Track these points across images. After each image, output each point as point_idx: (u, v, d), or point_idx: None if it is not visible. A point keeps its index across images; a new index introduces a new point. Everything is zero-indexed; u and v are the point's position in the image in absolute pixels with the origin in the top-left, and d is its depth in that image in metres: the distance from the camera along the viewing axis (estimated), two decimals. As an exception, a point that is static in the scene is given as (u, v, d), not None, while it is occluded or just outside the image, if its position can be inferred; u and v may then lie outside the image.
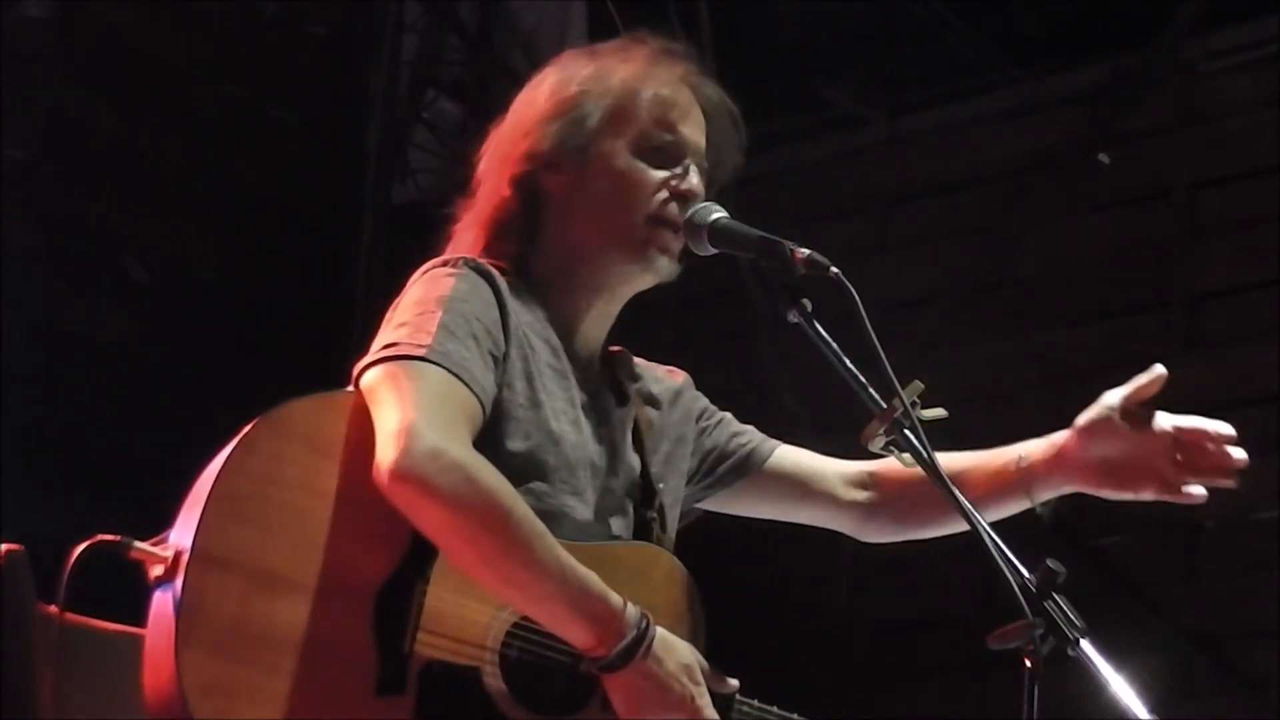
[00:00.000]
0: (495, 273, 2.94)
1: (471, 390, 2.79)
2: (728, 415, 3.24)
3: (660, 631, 2.79)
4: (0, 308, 5.71)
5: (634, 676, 2.76)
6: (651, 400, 3.13)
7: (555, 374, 2.97)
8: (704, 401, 3.23)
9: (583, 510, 2.93)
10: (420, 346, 2.79)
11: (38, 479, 5.59)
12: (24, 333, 5.86)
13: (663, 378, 3.19)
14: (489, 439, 2.84)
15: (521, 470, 2.86)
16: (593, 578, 2.76)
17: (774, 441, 3.24)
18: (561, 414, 2.94)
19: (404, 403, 2.73)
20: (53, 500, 5.44)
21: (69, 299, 6.16)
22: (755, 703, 2.94)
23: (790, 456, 3.23)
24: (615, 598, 2.76)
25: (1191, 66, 6.74)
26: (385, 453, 2.70)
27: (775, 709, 2.97)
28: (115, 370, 6.13)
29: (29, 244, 5.93)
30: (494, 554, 2.72)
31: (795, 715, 2.98)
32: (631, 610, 2.76)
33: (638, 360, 3.18)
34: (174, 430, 5.76)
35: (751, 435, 3.23)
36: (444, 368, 2.79)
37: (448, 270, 2.92)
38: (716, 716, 2.83)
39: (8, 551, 3.05)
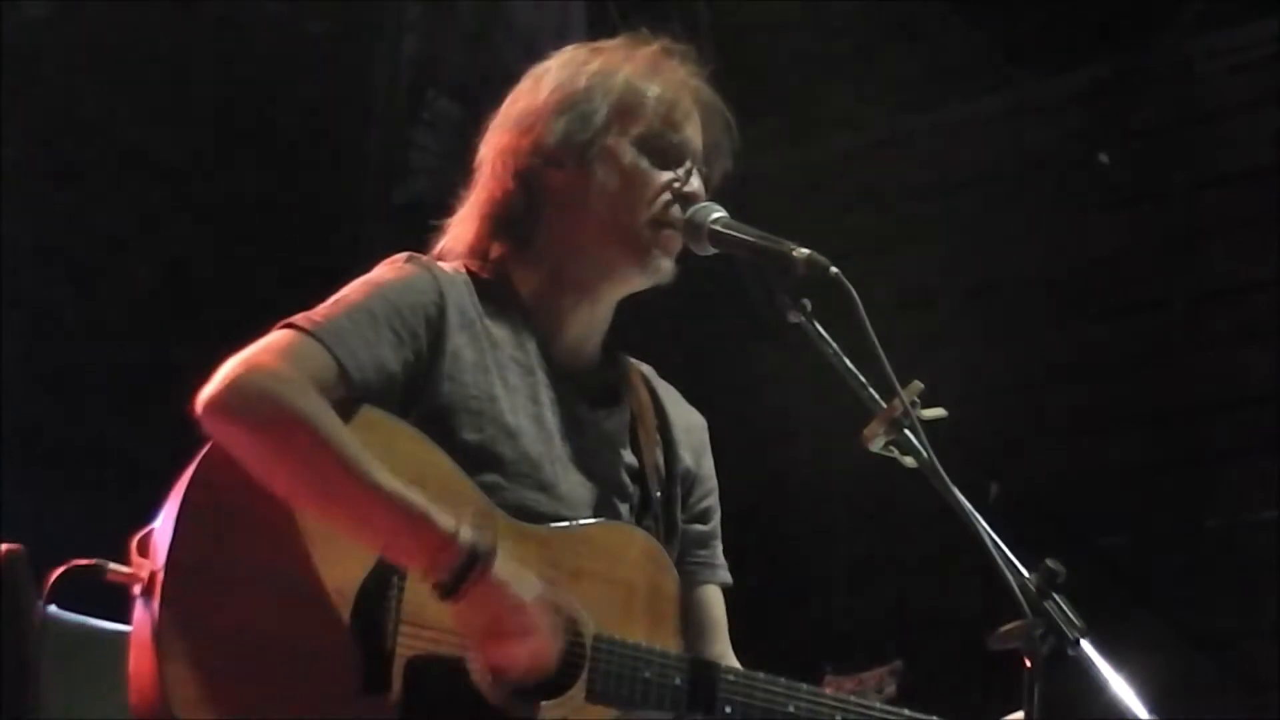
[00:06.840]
0: (445, 271, 2.94)
1: (334, 355, 2.76)
2: (717, 517, 3.17)
3: (504, 560, 2.68)
4: (0, 307, 5.71)
5: (478, 596, 2.66)
6: (660, 411, 3.11)
7: (520, 369, 2.95)
8: (711, 463, 3.17)
9: (550, 505, 2.90)
10: (310, 321, 2.81)
11: (37, 479, 5.59)
12: (24, 333, 5.86)
13: (683, 402, 3.17)
14: (441, 432, 2.82)
15: (475, 463, 2.84)
16: (419, 501, 2.67)
17: (723, 576, 3.15)
18: (521, 409, 2.93)
19: (249, 351, 2.75)
20: (52, 500, 5.43)
21: (69, 299, 6.15)
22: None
23: (714, 609, 3.13)
24: (445, 520, 2.67)
25: (1191, 66, 6.73)
26: (204, 389, 2.70)
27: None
28: (116, 371, 6.12)
29: (29, 243, 5.93)
30: (304, 470, 2.67)
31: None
32: (466, 533, 2.67)
33: (666, 384, 3.16)
34: (174, 430, 5.75)
35: (716, 554, 3.16)
36: (316, 338, 2.78)
37: (391, 263, 2.94)
38: (559, 648, 2.73)
39: (8, 551, 3.05)
